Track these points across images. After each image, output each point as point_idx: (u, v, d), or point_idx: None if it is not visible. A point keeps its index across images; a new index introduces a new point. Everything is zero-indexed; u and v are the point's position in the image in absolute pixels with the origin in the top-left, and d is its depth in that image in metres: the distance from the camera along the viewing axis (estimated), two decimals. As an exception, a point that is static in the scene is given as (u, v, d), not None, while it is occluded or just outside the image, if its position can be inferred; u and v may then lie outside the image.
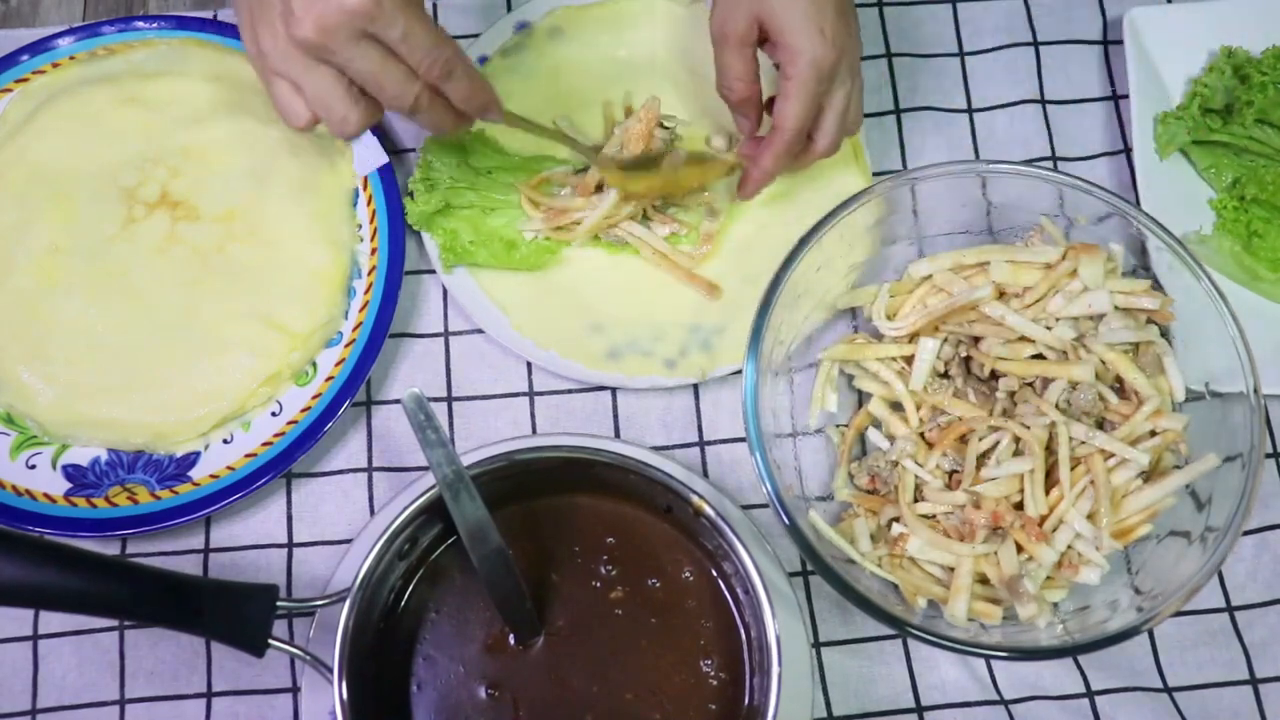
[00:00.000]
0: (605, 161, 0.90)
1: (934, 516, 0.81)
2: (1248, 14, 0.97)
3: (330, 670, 0.69)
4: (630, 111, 0.95)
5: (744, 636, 0.75)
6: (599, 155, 0.90)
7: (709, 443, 0.89)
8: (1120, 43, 0.96)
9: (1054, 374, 0.81)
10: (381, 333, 0.87)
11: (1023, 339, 0.83)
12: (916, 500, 0.82)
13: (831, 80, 0.81)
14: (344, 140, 0.76)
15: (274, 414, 0.86)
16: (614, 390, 0.90)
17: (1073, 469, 0.79)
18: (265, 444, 0.85)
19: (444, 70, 0.75)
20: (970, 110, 0.99)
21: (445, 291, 0.92)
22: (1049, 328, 0.83)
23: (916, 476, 0.82)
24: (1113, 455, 0.79)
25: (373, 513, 0.86)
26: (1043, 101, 0.99)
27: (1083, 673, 0.83)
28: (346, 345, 0.87)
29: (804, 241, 0.81)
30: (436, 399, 0.89)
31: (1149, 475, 0.81)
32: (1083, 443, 0.80)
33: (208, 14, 0.98)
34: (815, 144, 0.86)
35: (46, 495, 0.84)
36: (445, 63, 0.75)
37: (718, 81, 0.85)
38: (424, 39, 0.73)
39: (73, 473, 0.85)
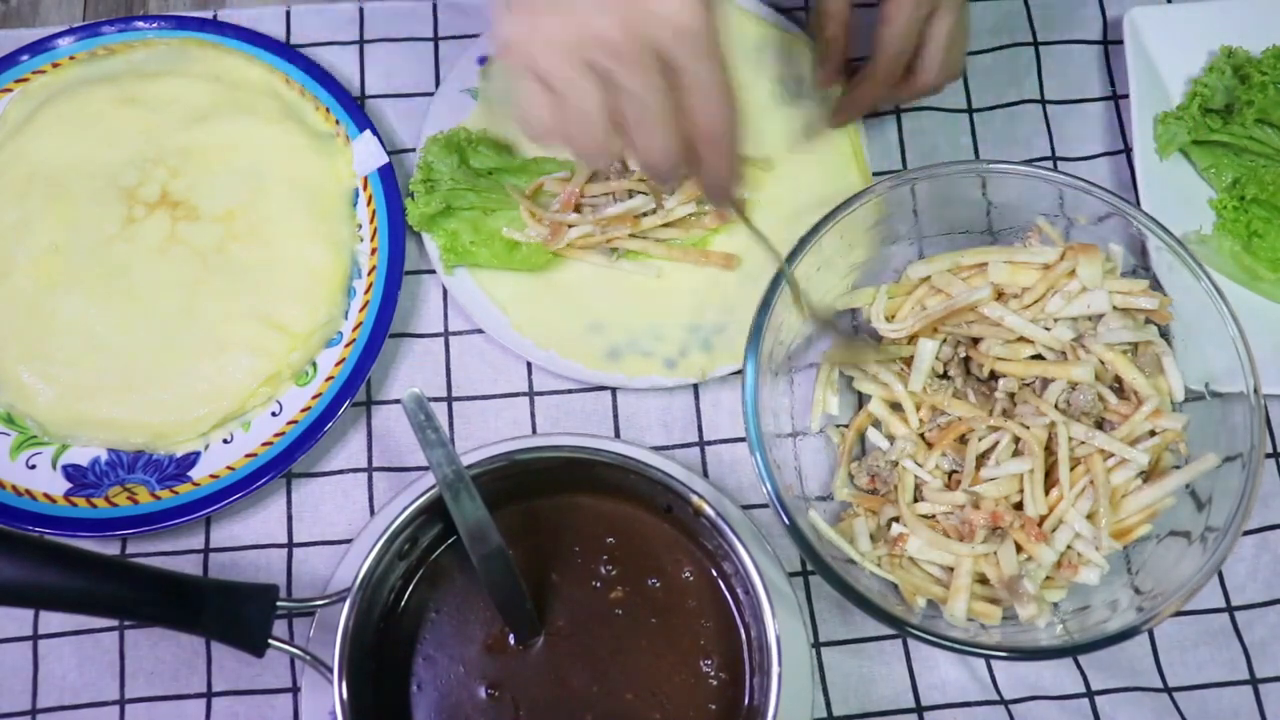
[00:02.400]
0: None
1: (933, 516, 0.81)
2: (1248, 14, 0.97)
3: (330, 670, 0.69)
4: None
5: (744, 636, 0.75)
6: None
7: (709, 443, 0.89)
8: (1120, 43, 0.96)
9: (1054, 374, 0.81)
10: (381, 333, 0.87)
11: (1022, 339, 0.83)
12: (916, 500, 0.82)
13: (933, 5, 0.80)
14: (590, 165, 0.74)
15: (274, 414, 0.86)
16: (614, 390, 0.90)
17: (1072, 469, 0.79)
18: (265, 444, 0.85)
19: (720, 138, 0.64)
20: (970, 110, 0.99)
21: (445, 291, 0.92)
22: (1048, 328, 0.83)
23: (916, 476, 0.82)
24: (1112, 455, 0.79)
25: (373, 513, 0.86)
26: (1043, 101, 0.99)
27: (1083, 673, 0.83)
28: (346, 345, 0.87)
29: (804, 241, 0.81)
30: (436, 399, 0.89)
31: (1148, 475, 0.81)
32: (1082, 443, 0.80)
33: (208, 14, 0.98)
34: (916, 76, 0.84)
35: (46, 495, 0.84)
36: (726, 122, 0.63)
37: (812, 18, 0.85)
38: (717, 88, 0.61)
39: (73, 473, 0.85)
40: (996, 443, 0.81)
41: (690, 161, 0.65)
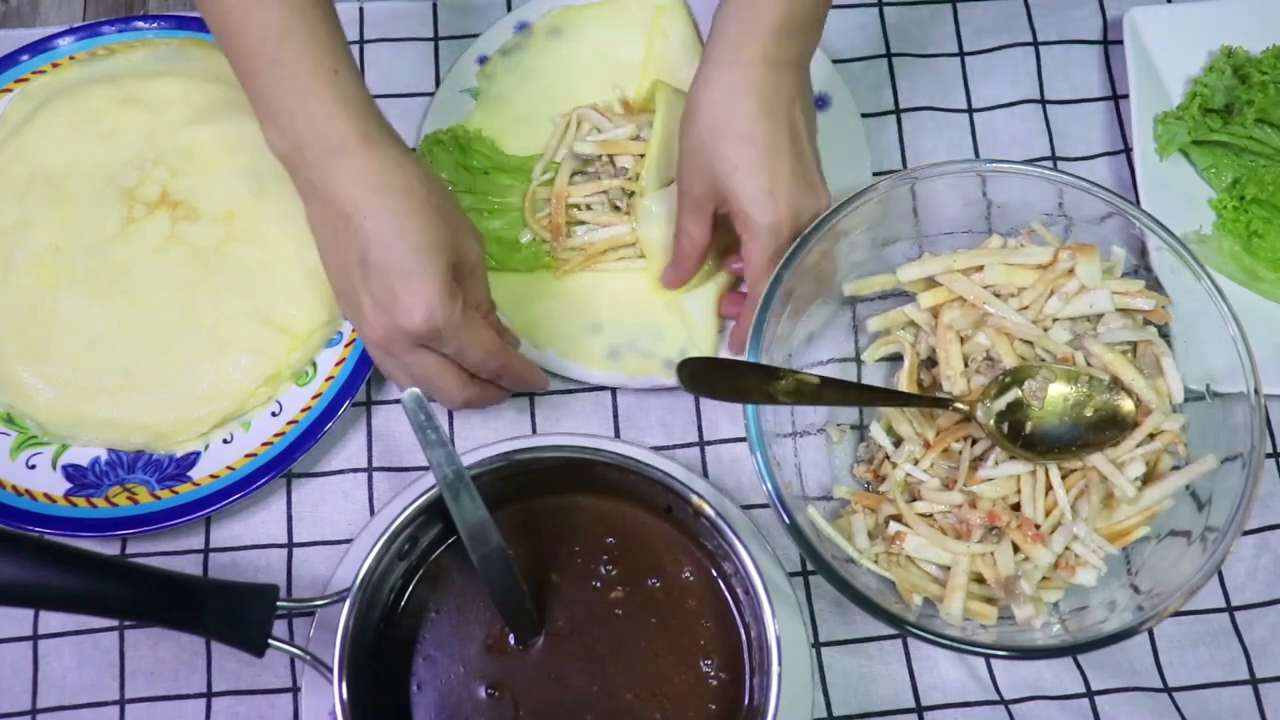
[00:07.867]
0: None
1: (931, 515, 0.81)
2: (1248, 14, 0.97)
3: (330, 670, 0.69)
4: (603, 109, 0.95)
5: (744, 636, 0.75)
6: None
7: (709, 443, 0.89)
8: (1120, 43, 0.96)
9: None
10: (381, 333, 0.87)
11: (1023, 341, 0.83)
12: (912, 500, 0.82)
13: (790, 237, 0.80)
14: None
15: (274, 414, 0.86)
16: (614, 390, 0.90)
17: (1071, 474, 0.80)
18: (265, 444, 0.85)
19: (495, 373, 0.79)
20: (970, 110, 0.99)
21: (445, 291, 0.92)
22: (1046, 329, 0.83)
23: (911, 475, 0.82)
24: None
25: (373, 513, 0.86)
26: (1043, 101, 0.99)
27: (1083, 673, 0.83)
28: (346, 345, 0.87)
29: (805, 240, 0.81)
30: (436, 399, 0.89)
31: (1147, 477, 0.80)
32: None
33: (208, 14, 0.98)
34: None
35: (46, 495, 0.84)
36: (498, 369, 0.79)
37: (675, 230, 0.86)
38: (476, 352, 0.76)
39: (73, 473, 0.85)
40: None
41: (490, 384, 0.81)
